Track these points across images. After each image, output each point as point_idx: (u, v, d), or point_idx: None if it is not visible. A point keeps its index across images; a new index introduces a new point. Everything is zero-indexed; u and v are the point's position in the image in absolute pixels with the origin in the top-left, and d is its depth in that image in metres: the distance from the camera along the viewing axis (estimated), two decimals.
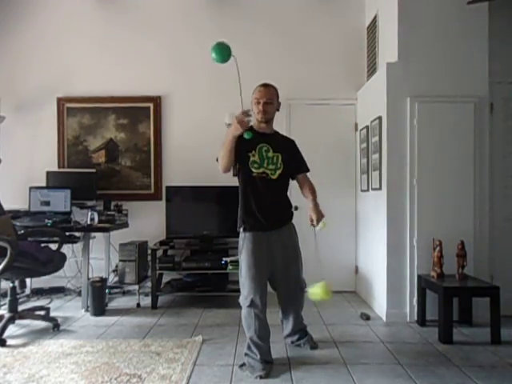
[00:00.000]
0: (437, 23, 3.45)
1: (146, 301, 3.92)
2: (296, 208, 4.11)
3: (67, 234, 3.72)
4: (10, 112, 4.37)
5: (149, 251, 4.05)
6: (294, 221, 2.73)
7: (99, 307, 3.60)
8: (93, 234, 4.05)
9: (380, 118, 3.58)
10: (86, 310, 3.65)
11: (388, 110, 3.46)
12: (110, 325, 3.34)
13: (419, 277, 3.34)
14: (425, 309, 3.28)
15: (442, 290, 2.98)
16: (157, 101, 4.44)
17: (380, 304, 3.57)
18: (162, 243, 4.01)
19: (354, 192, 4.41)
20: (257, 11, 4.45)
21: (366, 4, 4.38)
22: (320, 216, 2.57)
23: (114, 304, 3.95)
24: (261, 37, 4.43)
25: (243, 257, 2.54)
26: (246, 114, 2.34)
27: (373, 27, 4.13)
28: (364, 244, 4.16)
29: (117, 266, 4.11)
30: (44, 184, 4.20)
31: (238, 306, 2.59)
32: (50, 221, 3.74)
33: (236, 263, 3.43)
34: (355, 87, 4.38)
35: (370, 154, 3.88)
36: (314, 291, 2.45)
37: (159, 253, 3.96)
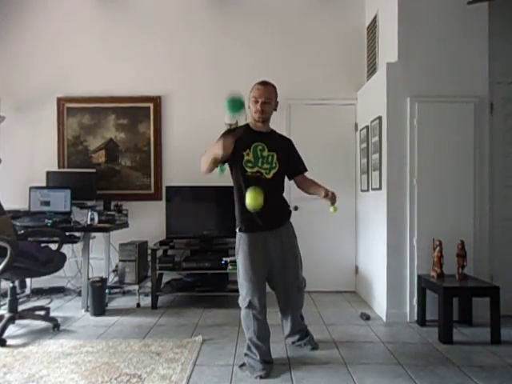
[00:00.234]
0: (437, 23, 3.45)
1: (146, 301, 3.92)
2: (296, 208, 4.14)
3: (67, 233, 3.72)
4: (10, 112, 4.37)
5: (149, 251, 4.05)
6: (293, 221, 2.72)
7: (99, 307, 3.60)
8: (93, 234, 4.05)
9: (380, 118, 3.58)
10: (86, 310, 3.65)
11: (388, 110, 3.46)
12: (110, 325, 3.34)
13: (419, 277, 3.34)
14: (425, 309, 3.28)
15: (442, 290, 2.97)
16: (157, 101, 4.44)
17: (380, 304, 3.57)
18: (162, 243, 4.01)
19: (354, 192, 4.41)
20: (257, 11, 4.45)
21: (366, 4, 4.38)
22: (335, 198, 2.57)
23: (114, 304, 3.95)
24: (261, 37, 4.43)
25: (240, 258, 2.53)
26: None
27: (373, 27, 4.13)
28: (364, 244, 4.16)
29: (117, 266, 4.11)
30: (44, 184, 4.20)
31: (238, 307, 2.58)
32: (50, 221, 3.74)
33: (236, 263, 3.43)
34: (355, 87, 4.38)
35: (370, 154, 3.88)
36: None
37: (159, 253, 3.96)
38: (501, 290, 2.97)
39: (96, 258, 4.19)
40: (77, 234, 3.90)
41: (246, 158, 2.50)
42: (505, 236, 3.52)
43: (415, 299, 3.37)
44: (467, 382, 2.34)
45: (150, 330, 3.22)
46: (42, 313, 3.41)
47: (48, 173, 4.23)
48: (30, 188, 4.08)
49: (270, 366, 2.49)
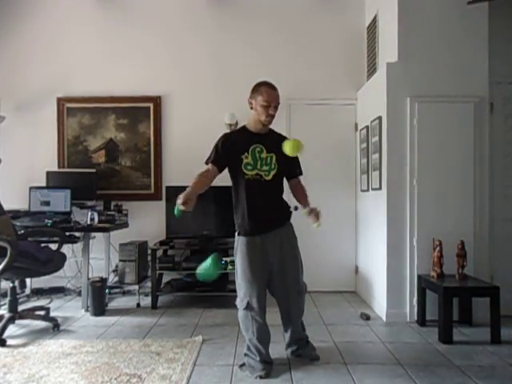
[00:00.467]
0: (437, 23, 3.45)
1: (146, 301, 3.92)
2: (296, 208, 4.11)
3: (67, 234, 3.72)
4: (10, 112, 4.37)
5: (149, 251, 4.05)
6: (293, 221, 2.69)
7: (99, 307, 3.60)
8: (93, 234, 4.05)
9: (380, 118, 3.58)
10: (86, 310, 3.65)
11: (388, 110, 3.46)
12: (110, 325, 3.34)
13: (419, 277, 3.34)
14: (425, 309, 3.28)
15: (442, 290, 2.98)
16: (157, 101, 4.44)
17: (380, 304, 3.57)
18: (162, 243, 4.01)
19: (354, 192, 4.41)
20: (257, 11, 4.45)
21: (366, 4, 4.38)
22: (319, 218, 2.47)
23: (114, 304, 3.95)
24: (261, 37, 4.43)
25: (238, 259, 2.50)
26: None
27: (373, 27, 4.13)
28: (364, 244, 4.16)
29: (117, 266, 4.11)
30: (44, 184, 4.20)
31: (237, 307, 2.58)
32: (50, 221, 3.74)
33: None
34: (355, 87, 4.38)
35: (370, 154, 3.88)
36: (287, 147, 2.34)
37: (159, 253, 3.96)
38: (501, 290, 2.97)
39: (96, 258, 4.19)
40: (77, 234, 3.90)
41: (245, 161, 2.47)
42: (505, 236, 3.52)
43: (415, 299, 3.37)
44: (467, 381, 2.34)
45: (150, 330, 3.22)
46: (42, 313, 3.41)
47: (48, 173, 4.23)
48: (30, 188, 4.08)
49: (269, 366, 2.48)
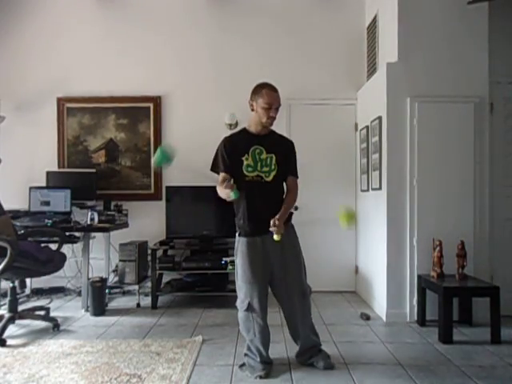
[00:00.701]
0: (437, 23, 3.46)
1: (146, 301, 3.92)
2: (296, 208, 4.13)
3: (67, 233, 3.72)
4: (10, 112, 4.37)
5: (149, 251, 4.05)
6: (293, 221, 2.69)
7: (99, 307, 3.60)
8: (93, 234, 4.05)
9: (380, 118, 3.58)
10: (86, 310, 3.65)
11: (388, 109, 3.46)
12: (110, 325, 3.34)
13: (419, 277, 3.33)
14: (425, 309, 3.28)
15: (442, 290, 2.97)
16: (157, 101, 4.44)
17: (380, 304, 3.57)
18: (162, 243, 4.01)
19: (354, 192, 4.41)
20: (257, 11, 4.44)
21: (366, 4, 4.38)
22: (282, 229, 2.38)
23: (114, 304, 3.95)
24: (261, 37, 4.43)
25: (238, 260, 2.50)
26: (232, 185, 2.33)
27: (373, 27, 4.13)
28: (364, 244, 4.16)
29: (117, 266, 4.11)
30: (44, 184, 4.20)
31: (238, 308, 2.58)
32: (50, 221, 3.74)
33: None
34: (355, 87, 4.38)
35: (370, 154, 3.88)
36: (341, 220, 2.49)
37: (159, 253, 3.96)
38: (501, 290, 2.97)
39: (96, 257, 4.19)
40: (77, 234, 3.90)
41: (245, 162, 2.47)
42: (505, 236, 3.52)
43: (415, 299, 3.37)
44: (467, 382, 2.34)
45: (150, 330, 3.22)
46: (42, 313, 3.41)
47: (48, 173, 4.23)
48: (30, 188, 4.08)
49: (269, 366, 2.48)
